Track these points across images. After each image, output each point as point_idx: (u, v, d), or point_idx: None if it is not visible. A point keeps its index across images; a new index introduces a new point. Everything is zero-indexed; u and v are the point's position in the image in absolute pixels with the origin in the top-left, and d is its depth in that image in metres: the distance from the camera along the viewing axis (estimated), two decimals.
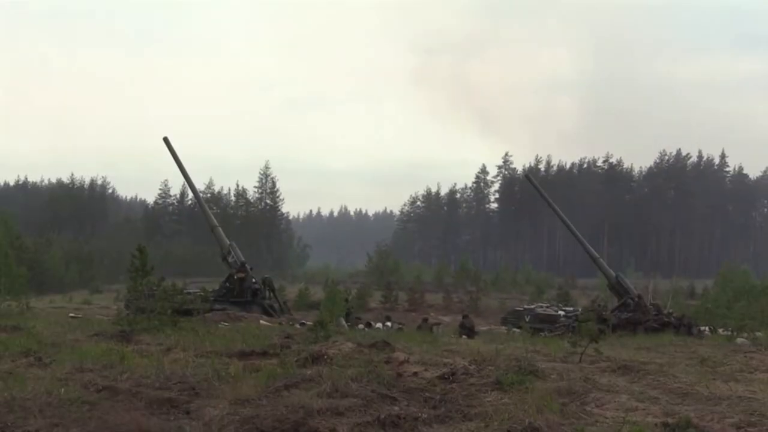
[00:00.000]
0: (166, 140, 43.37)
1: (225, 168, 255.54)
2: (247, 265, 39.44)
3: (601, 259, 42.15)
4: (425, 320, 36.46)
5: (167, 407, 9.75)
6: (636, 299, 37.53)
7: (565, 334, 29.01)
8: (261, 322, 30.61)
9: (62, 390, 10.10)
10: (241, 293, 38.08)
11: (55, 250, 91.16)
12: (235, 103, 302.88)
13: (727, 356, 16.77)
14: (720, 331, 32.19)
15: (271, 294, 39.62)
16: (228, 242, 40.96)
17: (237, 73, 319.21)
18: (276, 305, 38.86)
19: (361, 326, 32.11)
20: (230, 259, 39.99)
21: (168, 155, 43.44)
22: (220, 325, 25.53)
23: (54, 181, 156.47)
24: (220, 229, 42.58)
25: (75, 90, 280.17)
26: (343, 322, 30.68)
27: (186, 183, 47.74)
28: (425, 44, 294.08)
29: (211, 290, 38.18)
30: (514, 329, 34.77)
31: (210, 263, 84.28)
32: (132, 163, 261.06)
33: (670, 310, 38.36)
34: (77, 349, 15.15)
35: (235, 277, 38.74)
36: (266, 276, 41.21)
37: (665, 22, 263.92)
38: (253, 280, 39.08)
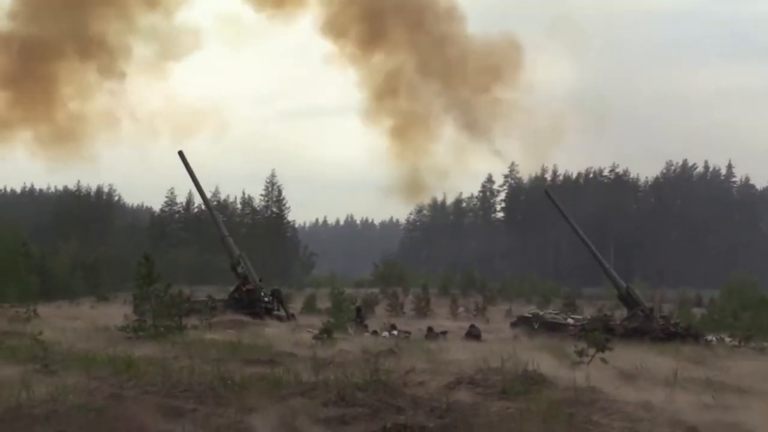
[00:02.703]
0: (181, 154, 43.29)
1: (230, 176, 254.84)
2: (261, 282, 39.59)
3: (613, 270, 42.14)
4: (430, 329, 36.46)
5: (173, 415, 9.75)
6: (647, 311, 37.52)
7: (573, 342, 28.92)
8: (267, 329, 30.59)
9: (68, 397, 10.10)
10: (250, 305, 37.99)
11: (61, 257, 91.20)
12: (237, 112, 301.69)
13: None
14: (727, 340, 32.17)
15: (280, 305, 39.65)
16: (238, 252, 40.93)
17: (236, 82, 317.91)
18: (284, 315, 38.85)
19: (367, 334, 32.13)
20: (239, 270, 39.96)
21: (175, 165, 43.54)
22: (226, 332, 25.51)
23: (60, 188, 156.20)
24: (230, 238, 42.56)
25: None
26: (350, 330, 30.68)
27: (199, 195, 47.92)
28: None
29: (218, 299, 38.17)
30: (522, 337, 34.68)
31: (216, 271, 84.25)
32: (137, 170, 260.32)
33: (677, 320, 38.32)
34: (84, 356, 15.15)
35: (244, 289, 38.74)
36: (275, 288, 41.25)
37: (670, 31, 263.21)
38: (265, 299, 39.02)
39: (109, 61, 44.43)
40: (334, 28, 46.47)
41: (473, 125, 44.72)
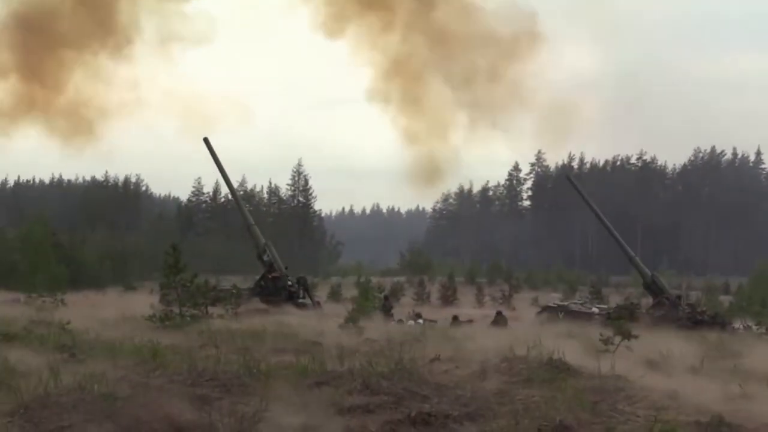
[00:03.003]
0: (206, 141, 43.18)
1: (257, 166, 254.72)
2: (287, 270, 39.63)
3: (638, 259, 41.93)
4: (455, 318, 36.38)
5: (199, 403, 9.81)
6: (672, 299, 37.33)
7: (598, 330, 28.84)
8: (292, 318, 30.66)
9: (95, 386, 10.18)
10: (275, 292, 38.11)
11: (89, 247, 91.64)
12: (263, 101, 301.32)
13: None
14: (754, 328, 31.99)
15: (305, 293, 39.70)
16: (264, 241, 40.97)
17: (260, 73, 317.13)
18: (309, 303, 38.93)
19: (393, 323, 32.14)
20: (265, 258, 40.03)
21: (202, 154, 43.52)
22: (252, 321, 25.60)
23: (88, 178, 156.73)
24: (256, 227, 42.61)
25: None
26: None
27: (225, 183, 47.64)
28: None
29: (244, 288, 38.26)
30: (547, 324, 34.59)
31: (242, 260, 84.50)
32: (165, 161, 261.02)
33: (704, 308, 38.13)
34: (110, 346, 15.27)
35: (270, 276, 38.86)
36: (301, 276, 41.30)
37: (698, 19, 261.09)
38: (289, 283, 39.08)
39: (125, 47, 44.09)
40: (336, 19, 45.63)
41: (484, 107, 44.26)
